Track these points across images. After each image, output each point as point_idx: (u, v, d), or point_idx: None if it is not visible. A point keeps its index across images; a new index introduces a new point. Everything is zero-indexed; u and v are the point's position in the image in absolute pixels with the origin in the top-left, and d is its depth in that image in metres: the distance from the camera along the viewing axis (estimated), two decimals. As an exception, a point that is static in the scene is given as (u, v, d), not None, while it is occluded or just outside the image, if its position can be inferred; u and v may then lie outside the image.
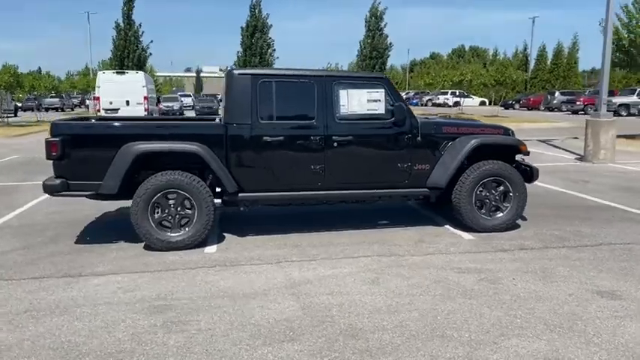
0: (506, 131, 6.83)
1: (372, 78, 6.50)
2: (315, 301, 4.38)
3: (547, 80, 60.33)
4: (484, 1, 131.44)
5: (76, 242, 6.15)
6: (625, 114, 33.35)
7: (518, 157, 6.82)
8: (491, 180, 6.40)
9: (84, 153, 5.67)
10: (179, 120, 6.55)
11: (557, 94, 44.44)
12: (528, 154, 6.72)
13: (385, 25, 37.47)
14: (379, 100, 6.20)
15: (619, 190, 9.14)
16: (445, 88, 43.95)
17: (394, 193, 6.42)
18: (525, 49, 69.01)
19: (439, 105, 51.37)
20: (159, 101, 31.60)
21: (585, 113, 35.63)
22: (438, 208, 7.35)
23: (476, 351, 3.52)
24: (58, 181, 5.61)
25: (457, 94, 48.56)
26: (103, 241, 6.11)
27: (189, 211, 5.77)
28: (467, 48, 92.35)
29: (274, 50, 38.36)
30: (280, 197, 6.12)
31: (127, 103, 22.50)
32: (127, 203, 5.86)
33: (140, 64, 36.07)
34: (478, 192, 6.38)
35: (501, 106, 50.69)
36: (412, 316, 4.06)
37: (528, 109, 45.81)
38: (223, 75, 7.44)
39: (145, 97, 23.09)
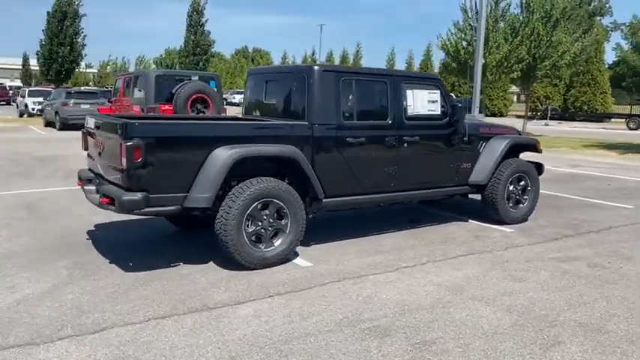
0: (518, 132, 7.50)
1: (430, 79, 6.55)
2: (513, 302, 4.35)
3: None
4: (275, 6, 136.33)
5: (128, 270, 4.98)
6: None
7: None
8: (517, 176, 6.99)
9: (168, 159, 4.63)
10: (255, 120, 5.61)
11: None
12: (541, 152, 7.50)
13: (207, 20, 36.53)
14: (436, 101, 6.29)
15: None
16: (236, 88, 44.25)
17: (446, 192, 6.59)
18: (313, 54, 73.89)
19: (235, 104, 51.63)
20: None
21: None
22: (435, 205, 7.72)
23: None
24: (139, 196, 4.48)
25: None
26: (160, 265, 5.07)
27: (282, 222, 5.14)
28: (250, 49, 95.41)
29: (85, 36, 34.41)
30: (361, 201, 5.82)
31: None
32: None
33: None
34: (508, 187, 6.91)
35: None
36: (615, 304, 4.32)
37: None
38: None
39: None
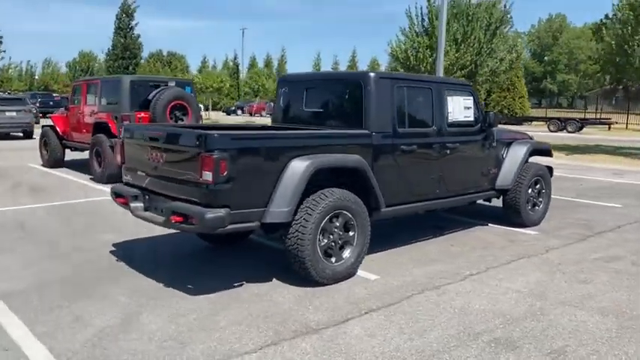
0: (530, 137, 7.72)
1: (464, 85, 6.57)
2: (600, 305, 4.42)
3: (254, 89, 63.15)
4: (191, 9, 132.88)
5: (193, 294, 4.57)
6: None
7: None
8: (535, 179, 7.20)
9: (249, 172, 4.31)
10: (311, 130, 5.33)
11: (282, 102, 48.12)
12: (552, 157, 7.78)
13: (137, 24, 35.05)
14: (470, 107, 6.34)
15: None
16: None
17: (478, 197, 6.65)
18: (235, 58, 72.98)
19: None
20: None
21: None
22: (449, 210, 7.76)
23: None
24: (224, 212, 4.12)
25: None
26: (222, 286, 4.71)
27: (349, 234, 4.94)
28: (165, 53, 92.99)
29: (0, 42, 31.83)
30: (413, 209, 5.74)
31: None
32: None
33: None
34: (528, 190, 7.10)
35: (224, 112, 52.66)
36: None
37: (251, 115, 48.48)
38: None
39: None
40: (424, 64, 20.93)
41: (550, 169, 7.66)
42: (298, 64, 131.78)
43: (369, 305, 4.36)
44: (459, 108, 6.18)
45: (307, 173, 4.48)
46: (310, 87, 5.91)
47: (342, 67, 65.75)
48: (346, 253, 4.91)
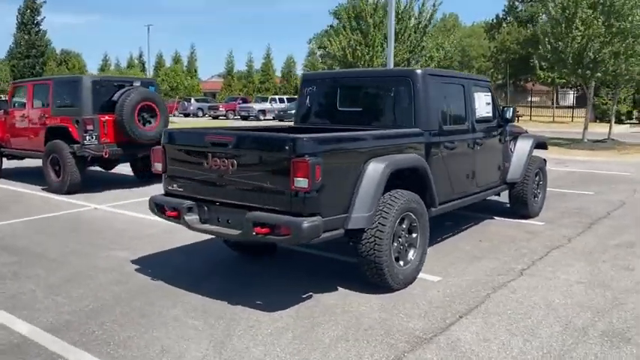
0: (525, 130, 7.95)
1: (484, 81, 6.59)
2: (658, 291, 4.62)
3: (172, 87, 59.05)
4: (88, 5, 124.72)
5: (269, 309, 4.22)
6: (263, 118, 38.46)
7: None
8: (536, 171, 7.44)
9: (336, 176, 4.03)
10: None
11: (192, 101, 46.49)
12: (547, 149, 8.08)
13: (43, 19, 32.45)
14: (490, 103, 6.41)
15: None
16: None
17: (496, 190, 6.75)
18: (141, 56, 69.77)
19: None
20: None
21: (227, 118, 39.74)
22: None
23: None
24: (319, 221, 3.83)
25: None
26: (293, 300, 4.41)
27: (412, 236, 4.80)
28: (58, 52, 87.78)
29: None
30: (455, 206, 5.69)
31: None
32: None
33: None
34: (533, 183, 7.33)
35: None
36: None
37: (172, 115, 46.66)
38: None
39: None
40: (362, 62, 21.14)
41: (544, 160, 7.97)
42: (209, 63, 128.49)
43: (457, 308, 4.25)
44: (483, 104, 6.23)
45: (385, 175, 4.29)
46: (344, 85, 5.69)
47: (257, 65, 64.75)
48: (411, 256, 4.77)
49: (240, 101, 43.96)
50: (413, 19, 21.96)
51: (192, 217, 4.39)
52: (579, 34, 15.81)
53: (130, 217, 7.67)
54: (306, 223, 3.76)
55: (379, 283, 4.50)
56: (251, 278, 5.00)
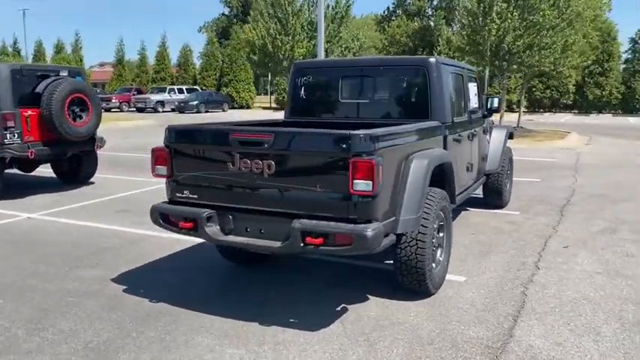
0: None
1: (473, 71, 6.42)
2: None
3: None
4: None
5: (309, 329, 3.74)
6: (162, 110, 36.59)
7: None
8: (507, 162, 7.51)
9: (387, 176, 3.61)
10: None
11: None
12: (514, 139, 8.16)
13: None
14: (477, 94, 6.31)
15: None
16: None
17: (480, 182, 6.66)
18: (15, 43, 63.81)
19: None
20: None
21: (121, 110, 37.16)
22: None
23: None
24: (382, 227, 3.42)
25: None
26: (326, 312, 3.98)
27: (440, 235, 4.53)
28: None
29: None
30: (460, 201, 5.47)
31: None
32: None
33: None
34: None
35: None
36: None
37: None
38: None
39: None
40: (282, 52, 20.66)
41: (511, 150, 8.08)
42: (96, 50, 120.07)
43: (504, 310, 4.05)
44: (473, 94, 6.11)
45: (429, 172, 3.96)
46: (348, 75, 5.26)
47: (151, 53, 61.36)
48: (439, 256, 4.50)
49: (135, 92, 40.74)
50: (330, 8, 21.83)
51: (213, 228, 3.77)
52: (495, 26, 16.49)
53: (75, 226, 6.68)
54: (370, 230, 3.32)
55: (417, 290, 4.18)
56: (261, 292, 4.46)
